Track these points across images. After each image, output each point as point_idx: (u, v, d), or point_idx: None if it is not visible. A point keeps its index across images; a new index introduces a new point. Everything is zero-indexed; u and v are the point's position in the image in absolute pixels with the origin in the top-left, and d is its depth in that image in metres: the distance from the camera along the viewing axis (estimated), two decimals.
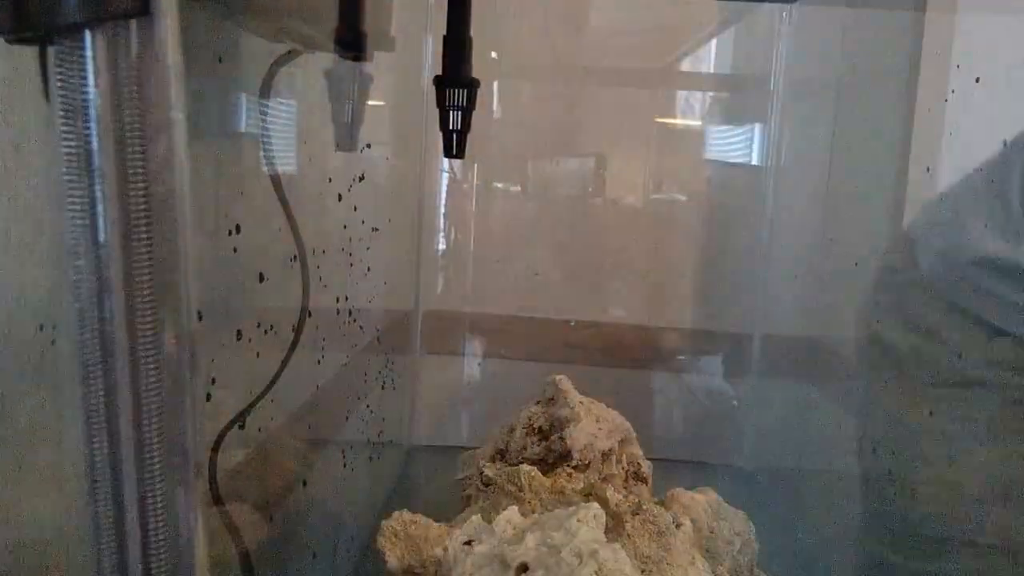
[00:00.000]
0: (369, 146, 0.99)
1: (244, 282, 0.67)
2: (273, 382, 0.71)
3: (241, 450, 0.65)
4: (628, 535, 0.64)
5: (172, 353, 0.29)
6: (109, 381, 0.29)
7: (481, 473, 0.74)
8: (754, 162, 1.39)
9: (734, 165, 1.45)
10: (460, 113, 0.79)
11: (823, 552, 0.86)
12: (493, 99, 1.40)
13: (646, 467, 0.84)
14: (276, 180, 0.73)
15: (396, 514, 0.64)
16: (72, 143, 0.28)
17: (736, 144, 1.43)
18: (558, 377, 1.09)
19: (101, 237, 0.28)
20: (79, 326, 0.28)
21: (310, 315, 0.76)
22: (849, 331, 1.14)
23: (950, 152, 0.93)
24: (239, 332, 0.65)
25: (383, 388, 1.14)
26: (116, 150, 0.28)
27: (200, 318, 0.32)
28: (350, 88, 0.80)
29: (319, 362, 0.86)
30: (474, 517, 0.60)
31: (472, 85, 0.79)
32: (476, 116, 0.80)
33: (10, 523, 0.41)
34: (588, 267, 1.43)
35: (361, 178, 0.98)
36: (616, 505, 0.71)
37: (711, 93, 1.46)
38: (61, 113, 0.27)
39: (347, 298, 0.96)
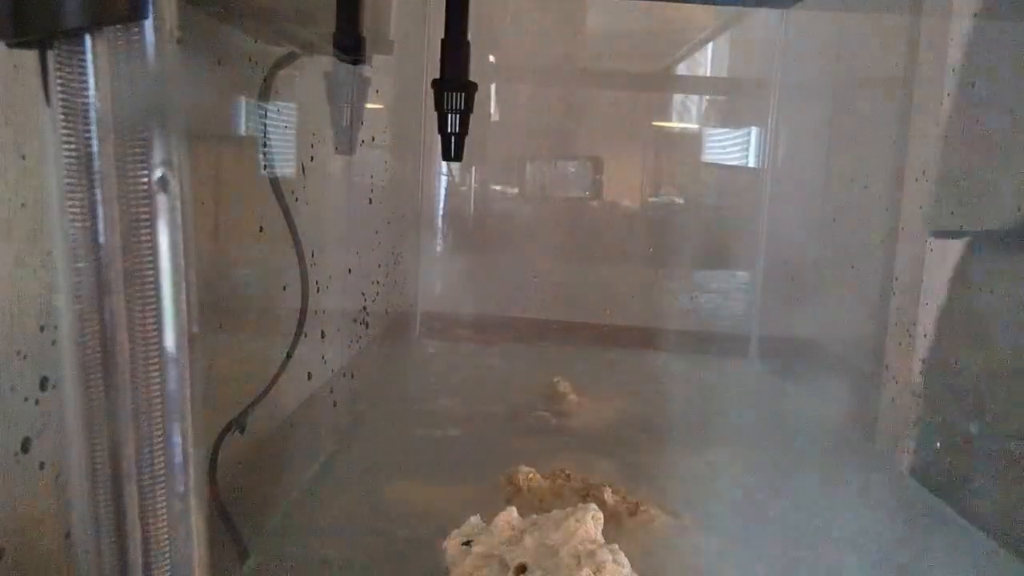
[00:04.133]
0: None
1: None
2: (273, 382, 0.71)
3: None
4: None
5: (172, 353, 0.29)
6: (109, 381, 0.29)
7: None
8: (751, 164, 1.40)
9: (732, 167, 1.45)
10: (458, 116, 0.79)
11: None
12: (491, 102, 1.40)
13: None
14: (275, 183, 0.73)
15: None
16: (72, 146, 0.28)
17: (733, 147, 1.44)
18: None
19: (101, 238, 0.28)
20: (79, 326, 0.29)
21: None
22: (845, 332, 1.14)
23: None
24: None
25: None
26: (116, 152, 0.28)
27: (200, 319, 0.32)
28: (349, 91, 0.80)
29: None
30: (473, 518, 0.60)
31: (470, 88, 0.79)
32: (474, 119, 0.81)
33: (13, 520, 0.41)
34: (585, 269, 1.43)
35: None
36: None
37: (708, 96, 1.47)
38: (61, 116, 0.28)
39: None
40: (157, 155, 0.28)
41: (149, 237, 0.29)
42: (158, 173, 0.28)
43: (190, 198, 0.29)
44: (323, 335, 0.91)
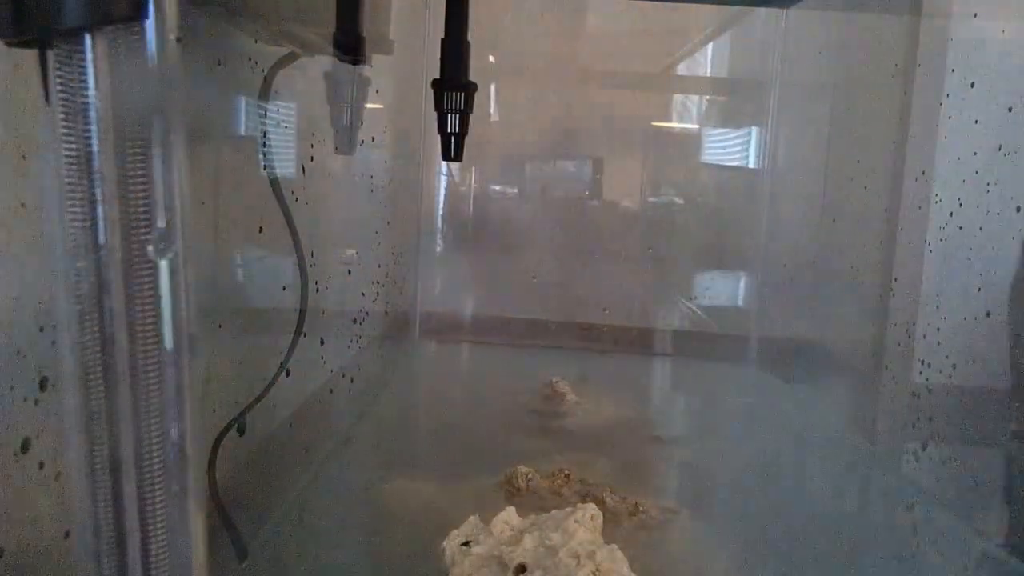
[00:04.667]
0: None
1: None
2: (273, 382, 0.71)
3: None
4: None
5: (172, 353, 0.29)
6: (109, 381, 0.29)
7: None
8: (751, 165, 1.40)
9: (731, 168, 1.45)
10: (458, 116, 0.79)
11: None
12: (491, 102, 1.40)
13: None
14: (275, 183, 0.73)
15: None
16: (72, 145, 0.28)
17: (733, 147, 1.44)
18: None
19: (101, 238, 0.28)
20: (79, 326, 0.29)
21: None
22: (844, 333, 1.14)
23: (944, 155, 0.93)
24: None
25: None
26: (116, 152, 0.28)
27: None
28: (349, 91, 0.80)
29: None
30: (472, 518, 0.60)
31: (470, 88, 0.79)
32: (474, 119, 0.81)
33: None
34: (585, 269, 1.43)
35: None
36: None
37: (708, 96, 1.47)
38: (61, 116, 0.28)
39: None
40: (157, 155, 0.28)
41: (148, 237, 0.29)
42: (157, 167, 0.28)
43: (190, 198, 0.29)
44: (322, 335, 0.91)
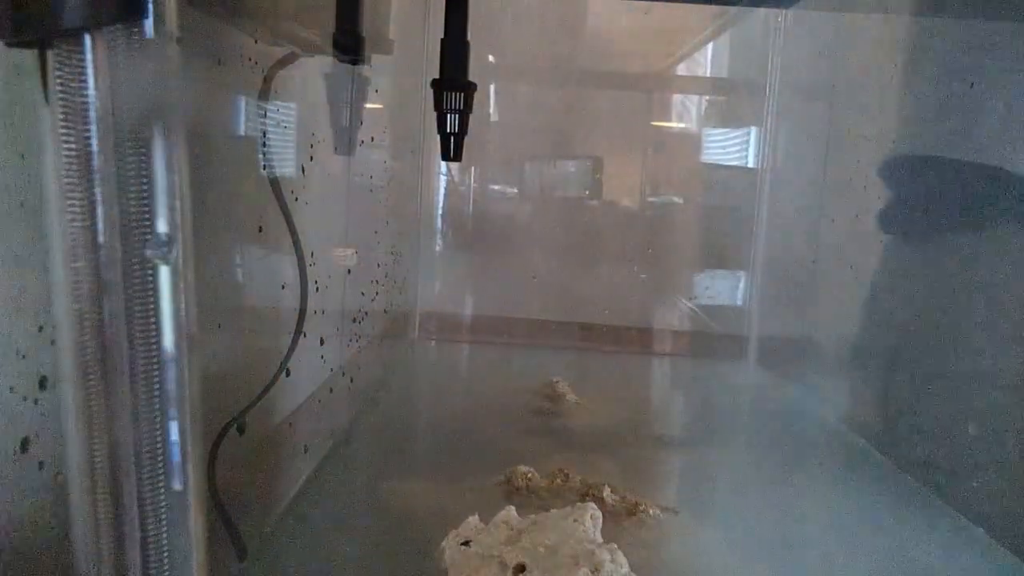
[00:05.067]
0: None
1: None
2: (272, 382, 0.71)
3: None
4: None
5: (171, 353, 0.29)
6: (109, 381, 0.29)
7: None
8: (750, 165, 1.40)
9: (731, 168, 1.45)
10: (457, 116, 0.79)
11: None
12: (491, 102, 1.40)
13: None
14: (275, 183, 0.73)
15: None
16: (72, 145, 0.28)
17: (732, 147, 1.44)
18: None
19: (101, 238, 0.28)
20: (79, 326, 0.29)
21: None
22: (842, 332, 1.14)
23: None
24: None
25: None
26: (115, 152, 0.28)
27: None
28: (348, 91, 0.80)
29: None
30: (472, 518, 0.60)
31: (469, 88, 0.79)
32: (474, 119, 0.81)
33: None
34: (584, 269, 1.43)
35: None
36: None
37: (707, 97, 1.47)
38: (61, 116, 0.28)
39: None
40: (157, 155, 0.28)
41: (148, 237, 0.29)
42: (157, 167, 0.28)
43: (189, 198, 0.29)
44: (321, 335, 0.91)
